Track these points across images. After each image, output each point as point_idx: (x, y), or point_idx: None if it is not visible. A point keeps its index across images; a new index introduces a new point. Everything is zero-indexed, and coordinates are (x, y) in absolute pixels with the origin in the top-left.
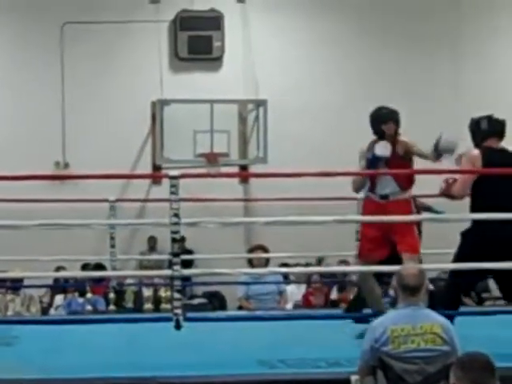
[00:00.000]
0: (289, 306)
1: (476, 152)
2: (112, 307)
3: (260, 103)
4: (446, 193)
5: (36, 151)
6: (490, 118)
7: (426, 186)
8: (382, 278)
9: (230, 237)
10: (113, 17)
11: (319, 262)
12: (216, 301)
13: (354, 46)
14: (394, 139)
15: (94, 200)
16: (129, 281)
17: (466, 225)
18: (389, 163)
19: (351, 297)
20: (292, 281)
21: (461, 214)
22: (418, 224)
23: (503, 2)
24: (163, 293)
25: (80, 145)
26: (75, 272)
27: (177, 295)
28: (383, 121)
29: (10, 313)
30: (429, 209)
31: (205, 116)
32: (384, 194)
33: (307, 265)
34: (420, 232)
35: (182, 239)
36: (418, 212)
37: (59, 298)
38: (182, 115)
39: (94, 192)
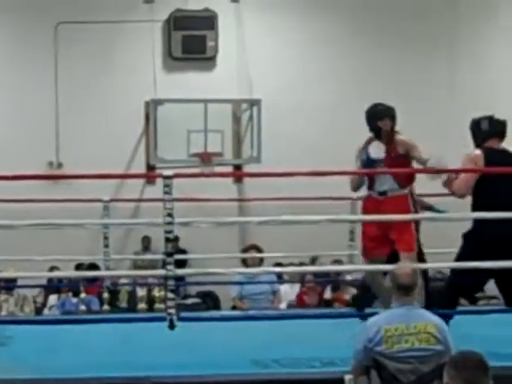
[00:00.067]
0: (283, 305)
1: (478, 152)
2: (106, 307)
3: (254, 103)
4: (447, 187)
5: (29, 151)
6: (490, 119)
7: (426, 185)
8: None
9: (223, 236)
10: (106, 17)
11: (313, 261)
12: (210, 301)
13: (348, 45)
14: (390, 136)
15: (87, 200)
16: (123, 281)
17: (467, 225)
18: (387, 161)
19: (345, 296)
20: (286, 280)
21: (461, 214)
22: (417, 221)
23: (500, 2)
24: (157, 292)
25: (74, 145)
26: (69, 272)
27: (170, 295)
28: (379, 117)
29: (3, 313)
30: (430, 208)
31: (199, 116)
32: (382, 190)
33: (301, 264)
34: (417, 230)
35: (176, 239)
36: (416, 210)
37: (53, 298)
38: (175, 115)
39: (87, 192)
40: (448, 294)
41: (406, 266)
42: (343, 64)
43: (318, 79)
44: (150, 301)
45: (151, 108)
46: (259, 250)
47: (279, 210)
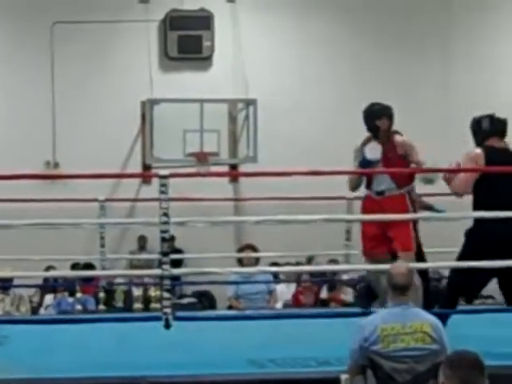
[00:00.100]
0: (279, 305)
1: (479, 150)
2: (102, 307)
3: (250, 102)
4: (447, 183)
5: (26, 151)
6: (491, 118)
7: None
8: None
9: (219, 236)
10: (102, 17)
11: (309, 261)
12: (206, 300)
13: (345, 45)
14: (388, 135)
15: (83, 200)
16: (119, 280)
17: (465, 225)
18: (384, 161)
19: (342, 296)
20: (282, 280)
21: (458, 213)
22: (415, 221)
23: (494, 3)
24: (153, 292)
25: (70, 144)
26: (65, 271)
27: (166, 294)
28: (377, 116)
29: None
30: (430, 208)
31: (195, 115)
32: (380, 190)
33: (297, 264)
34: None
35: (172, 238)
36: (414, 209)
37: (49, 298)
38: (171, 114)
39: (83, 191)
40: (448, 294)
41: (401, 265)
42: (339, 64)
43: (314, 79)
44: (146, 300)
45: (147, 108)
46: (255, 250)
47: (275, 209)
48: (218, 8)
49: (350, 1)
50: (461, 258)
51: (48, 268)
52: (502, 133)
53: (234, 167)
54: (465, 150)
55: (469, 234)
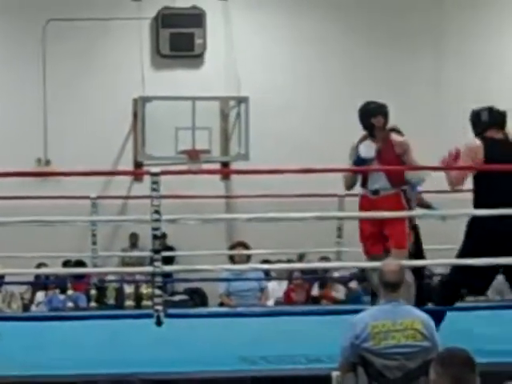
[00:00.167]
0: (270, 302)
1: (478, 142)
2: (93, 304)
3: (242, 100)
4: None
5: (17, 148)
6: (490, 110)
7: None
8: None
9: (211, 233)
10: (94, 14)
11: (300, 258)
12: (197, 297)
13: (337, 43)
14: (384, 133)
15: (75, 197)
16: (110, 277)
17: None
18: (381, 158)
19: (333, 293)
20: (273, 277)
21: (455, 210)
22: (410, 219)
23: (485, 1)
24: (144, 289)
25: (62, 142)
26: (56, 269)
27: (158, 292)
28: (372, 114)
29: None
30: (428, 206)
31: (186, 113)
32: (374, 189)
33: (288, 261)
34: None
35: (163, 236)
36: (410, 207)
37: (40, 295)
38: (163, 112)
39: (75, 189)
40: (444, 292)
41: (392, 263)
42: (332, 62)
43: (306, 77)
44: (138, 298)
45: (139, 105)
46: (246, 247)
47: (266, 207)
48: (210, 6)
49: None
50: (462, 254)
51: (39, 265)
52: (501, 124)
53: (225, 165)
54: (464, 142)
55: (470, 225)
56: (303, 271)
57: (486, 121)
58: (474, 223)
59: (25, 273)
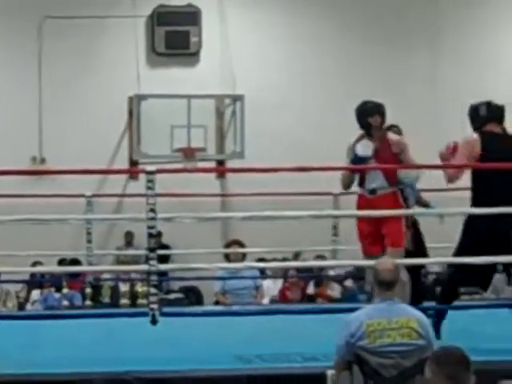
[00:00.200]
0: (265, 300)
1: (475, 136)
2: (88, 302)
3: (237, 98)
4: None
5: (13, 146)
6: (488, 104)
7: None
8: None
9: (206, 232)
10: (90, 12)
11: (296, 256)
12: (192, 296)
13: (332, 41)
14: (381, 132)
15: (70, 195)
16: (105, 276)
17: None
18: (379, 157)
19: (329, 291)
20: (269, 276)
21: (452, 209)
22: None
23: None
24: (140, 288)
25: (57, 140)
26: (52, 267)
27: (153, 290)
28: (369, 114)
29: None
30: (426, 205)
31: (182, 111)
32: (372, 188)
33: (284, 260)
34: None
35: (159, 234)
36: (408, 206)
37: (36, 293)
38: (159, 110)
39: (70, 187)
40: (446, 290)
41: (387, 261)
42: (327, 60)
43: (302, 75)
44: (133, 296)
45: (134, 103)
46: (242, 246)
47: (262, 205)
48: (206, 4)
49: None
50: (458, 252)
51: (35, 263)
52: (499, 119)
53: (221, 163)
54: (463, 136)
55: (466, 227)
56: (299, 269)
57: (484, 115)
58: (472, 220)
59: (20, 271)
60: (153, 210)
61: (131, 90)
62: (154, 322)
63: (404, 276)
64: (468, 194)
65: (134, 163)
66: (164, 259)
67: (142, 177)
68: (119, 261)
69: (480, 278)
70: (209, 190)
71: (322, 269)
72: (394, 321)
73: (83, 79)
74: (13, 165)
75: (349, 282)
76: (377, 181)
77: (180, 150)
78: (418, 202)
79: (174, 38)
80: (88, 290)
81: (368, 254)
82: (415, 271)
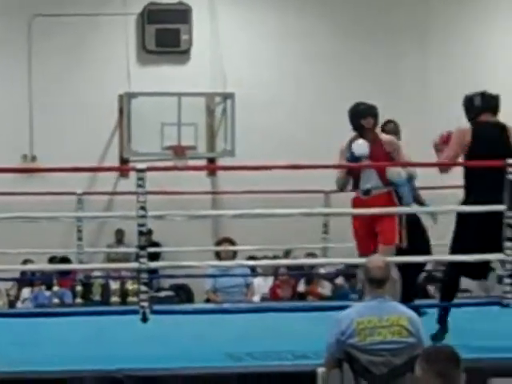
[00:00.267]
0: (256, 298)
1: (466, 126)
2: (79, 300)
3: (227, 96)
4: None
5: (3, 144)
6: (483, 94)
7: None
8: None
9: (197, 229)
10: (80, 10)
11: (286, 254)
12: (183, 293)
13: (323, 39)
14: (374, 134)
15: (61, 193)
16: (96, 273)
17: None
18: (372, 157)
19: (319, 289)
20: (259, 273)
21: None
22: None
23: None
24: (130, 285)
25: (47, 138)
26: (42, 265)
27: (143, 288)
28: (362, 116)
29: None
30: (422, 203)
31: (172, 109)
32: (366, 188)
33: (274, 257)
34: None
35: (149, 232)
36: (402, 205)
37: (26, 291)
38: (149, 108)
39: (61, 185)
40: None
41: (378, 259)
42: (317, 58)
43: (292, 73)
44: (123, 294)
45: (125, 101)
46: (232, 243)
47: (253, 203)
48: (196, 1)
49: None
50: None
51: (25, 261)
52: (494, 109)
53: (211, 161)
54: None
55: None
56: (289, 267)
57: (478, 105)
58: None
59: (10, 269)
60: (143, 208)
61: (121, 88)
62: (144, 319)
63: (395, 274)
64: (461, 192)
65: (124, 161)
66: (154, 257)
67: (133, 175)
68: (110, 259)
69: (477, 266)
70: (199, 187)
71: (312, 267)
72: (384, 319)
73: (74, 77)
74: (3, 163)
75: (339, 280)
76: (371, 180)
77: (170, 148)
78: (415, 200)
79: (165, 35)
80: (78, 288)
81: (363, 253)
82: (408, 269)
